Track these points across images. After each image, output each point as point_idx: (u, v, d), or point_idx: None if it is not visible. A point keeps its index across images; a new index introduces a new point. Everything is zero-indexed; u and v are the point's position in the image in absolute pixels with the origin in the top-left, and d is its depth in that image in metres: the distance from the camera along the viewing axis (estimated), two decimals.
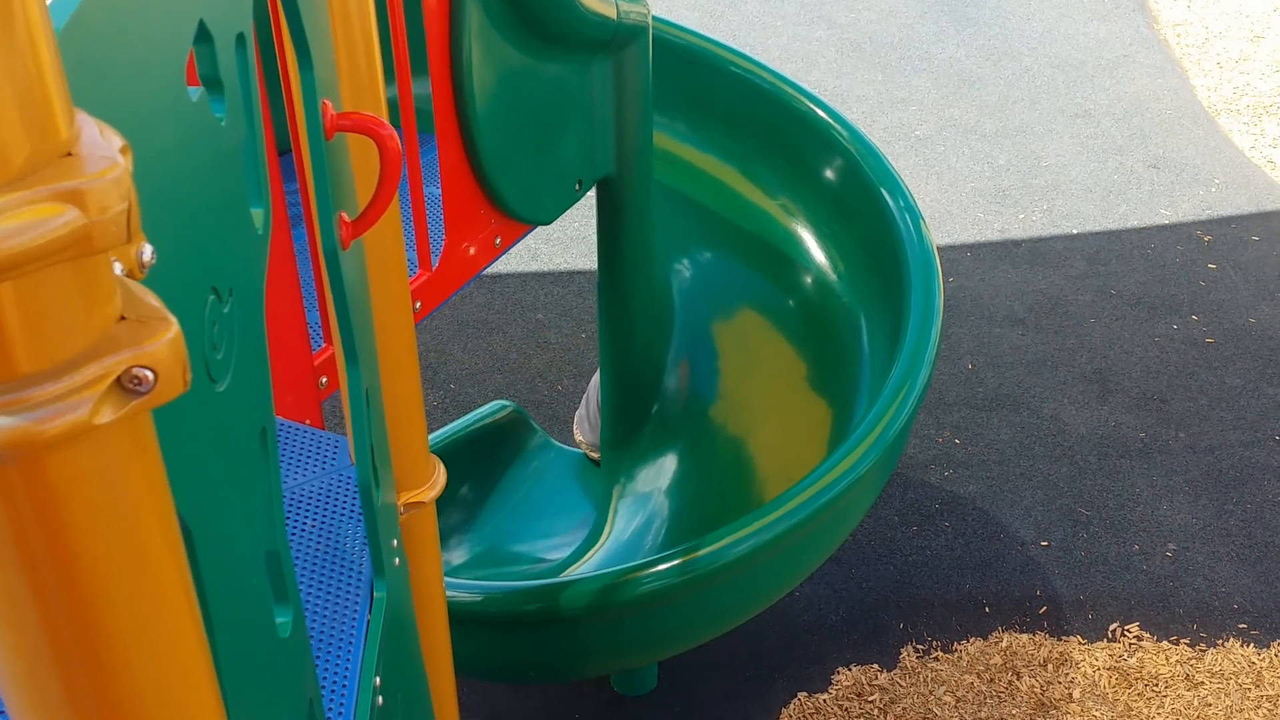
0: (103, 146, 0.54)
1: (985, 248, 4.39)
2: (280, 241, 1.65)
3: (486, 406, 3.11)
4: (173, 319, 0.56)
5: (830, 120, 2.85)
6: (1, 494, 0.54)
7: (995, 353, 3.88)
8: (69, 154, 0.53)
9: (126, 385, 0.55)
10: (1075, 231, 4.47)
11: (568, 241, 4.43)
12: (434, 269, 2.12)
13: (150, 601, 0.61)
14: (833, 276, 2.86)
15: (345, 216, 1.19)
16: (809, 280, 2.89)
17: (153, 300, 0.57)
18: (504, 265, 4.29)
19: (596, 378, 3.09)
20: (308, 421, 1.78)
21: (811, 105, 2.88)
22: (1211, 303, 4.08)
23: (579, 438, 3.20)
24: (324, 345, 1.86)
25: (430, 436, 2.86)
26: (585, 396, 3.22)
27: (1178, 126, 5.11)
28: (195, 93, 0.76)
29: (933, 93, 5.40)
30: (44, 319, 0.52)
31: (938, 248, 2.66)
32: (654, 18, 2.54)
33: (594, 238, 4.14)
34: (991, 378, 3.78)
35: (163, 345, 0.55)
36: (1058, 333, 3.97)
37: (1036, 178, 4.78)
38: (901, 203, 2.70)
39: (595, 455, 3.09)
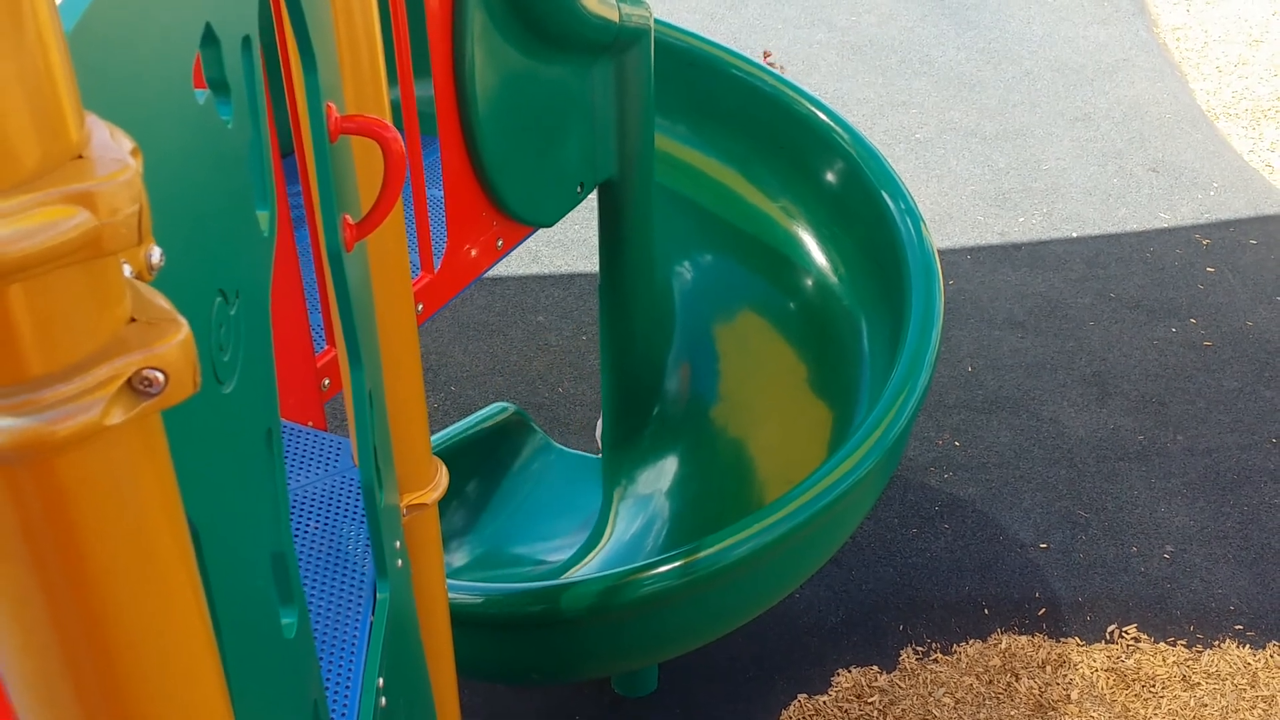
0: (113, 149, 0.54)
1: (985, 250, 4.40)
2: (283, 243, 1.66)
3: (487, 409, 3.11)
4: (183, 321, 0.56)
5: (831, 123, 2.85)
6: (12, 494, 0.54)
7: (995, 355, 3.89)
8: (80, 156, 0.53)
9: (137, 387, 0.55)
10: (1075, 235, 4.47)
11: (569, 244, 4.44)
12: (436, 271, 2.12)
13: (158, 601, 0.61)
14: (833, 279, 2.86)
15: (349, 219, 1.19)
16: (810, 283, 2.89)
17: (163, 302, 0.57)
18: (505, 268, 4.30)
19: None
20: (310, 423, 1.79)
21: (812, 108, 2.88)
22: (1210, 306, 4.09)
23: (599, 435, 3.20)
24: (327, 347, 1.86)
25: (431, 438, 2.86)
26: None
27: (1177, 130, 5.12)
28: (202, 95, 0.77)
29: (933, 96, 5.40)
30: (55, 321, 0.52)
31: (938, 250, 2.66)
32: (655, 20, 2.55)
33: (595, 240, 4.14)
34: (991, 380, 3.79)
35: (173, 347, 0.55)
36: (1057, 335, 3.97)
37: (1036, 181, 4.79)
38: (902, 205, 2.71)
39: None
